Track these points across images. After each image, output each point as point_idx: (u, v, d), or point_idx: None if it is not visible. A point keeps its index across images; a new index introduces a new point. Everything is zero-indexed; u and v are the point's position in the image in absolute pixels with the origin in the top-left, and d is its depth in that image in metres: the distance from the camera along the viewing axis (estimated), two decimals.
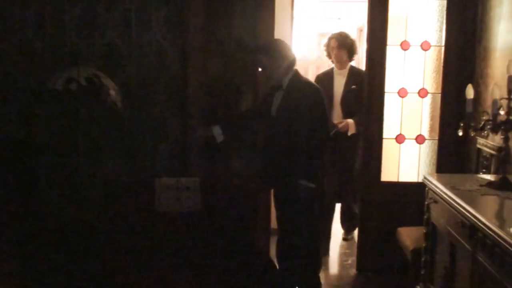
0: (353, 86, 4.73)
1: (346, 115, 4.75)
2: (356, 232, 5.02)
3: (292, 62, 3.60)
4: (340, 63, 4.86)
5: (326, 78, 4.88)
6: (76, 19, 4.71)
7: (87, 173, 4.85)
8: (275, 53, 3.58)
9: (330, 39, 4.91)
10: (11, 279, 3.18)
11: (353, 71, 4.86)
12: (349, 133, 4.72)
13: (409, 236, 3.69)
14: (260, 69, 3.77)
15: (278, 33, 4.55)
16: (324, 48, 4.99)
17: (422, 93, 4.31)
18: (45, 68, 4.63)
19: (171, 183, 3.26)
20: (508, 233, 2.13)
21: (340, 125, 4.69)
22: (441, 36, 4.25)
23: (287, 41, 5.17)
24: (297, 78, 3.59)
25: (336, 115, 4.79)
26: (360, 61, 7.80)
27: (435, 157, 4.35)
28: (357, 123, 4.69)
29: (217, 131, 3.67)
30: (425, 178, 3.26)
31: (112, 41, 4.70)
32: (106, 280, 3.05)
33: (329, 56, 4.97)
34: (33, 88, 4.61)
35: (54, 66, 3.07)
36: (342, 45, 4.83)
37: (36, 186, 4.91)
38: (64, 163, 4.86)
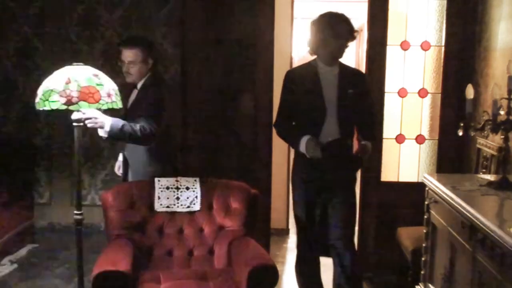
0: (350, 91, 3.38)
1: (343, 129, 3.37)
2: None
3: (152, 64, 3.51)
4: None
5: (306, 76, 3.41)
6: (76, 19, 4.72)
7: (88, 173, 4.85)
8: (150, 50, 3.49)
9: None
10: None
11: (344, 69, 3.47)
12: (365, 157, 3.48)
13: (409, 236, 3.69)
14: (127, 63, 3.43)
15: (278, 33, 4.56)
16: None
17: (422, 93, 4.31)
18: (45, 68, 4.65)
19: (171, 183, 3.26)
20: (508, 233, 2.13)
21: (360, 153, 3.33)
22: (441, 36, 4.25)
23: (287, 41, 5.23)
24: (153, 78, 3.52)
25: (329, 129, 3.33)
26: (360, 61, 7.81)
27: (435, 157, 4.35)
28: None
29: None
30: (425, 178, 3.26)
31: (112, 41, 4.71)
32: None
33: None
34: (33, 88, 4.62)
35: (54, 66, 3.06)
36: None
37: (34, 185, 4.91)
38: (63, 163, 4.87)
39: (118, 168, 3.89)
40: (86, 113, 2.93)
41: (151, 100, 3.41)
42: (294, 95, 3.41)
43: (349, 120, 3.41)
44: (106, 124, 3.13)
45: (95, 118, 3.04)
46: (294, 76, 3.48)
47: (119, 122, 3.21)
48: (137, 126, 3.24)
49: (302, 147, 3.27)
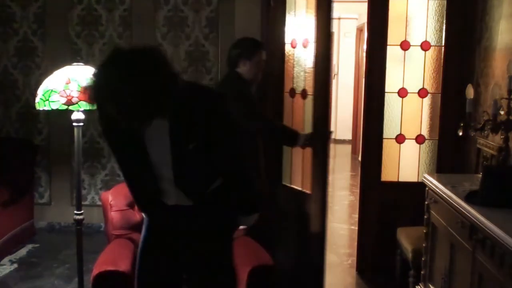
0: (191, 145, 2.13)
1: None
2: None
3: None
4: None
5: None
6: (76, 19, 4.73)
7: (88, 173, 4.85)
8: None
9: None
10: None
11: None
12: None
13: (409, 236, 3.69)
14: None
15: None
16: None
17: (422, 93, 4.31)
18: (45, 68, 4.65)
19: None
20: (508, 233, 2.13)
21: None
22: (441, 36, 4.25)
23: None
24: None
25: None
26: (360, 61, 7.80)
27: (435, 157, 4.34)
28: None
29: None
30: (425, 178, 3.26)
31: (112, 41, 4.71)
32: None
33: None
34: (33, 88, 4.62)
35: (54, 66, 3.08)
36: None
37: (35, 185, 4.91)
38: (63, 163, 4.87)
39: None
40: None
41: None
42: None
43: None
44: None
45: None
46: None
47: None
48: None
49: None
